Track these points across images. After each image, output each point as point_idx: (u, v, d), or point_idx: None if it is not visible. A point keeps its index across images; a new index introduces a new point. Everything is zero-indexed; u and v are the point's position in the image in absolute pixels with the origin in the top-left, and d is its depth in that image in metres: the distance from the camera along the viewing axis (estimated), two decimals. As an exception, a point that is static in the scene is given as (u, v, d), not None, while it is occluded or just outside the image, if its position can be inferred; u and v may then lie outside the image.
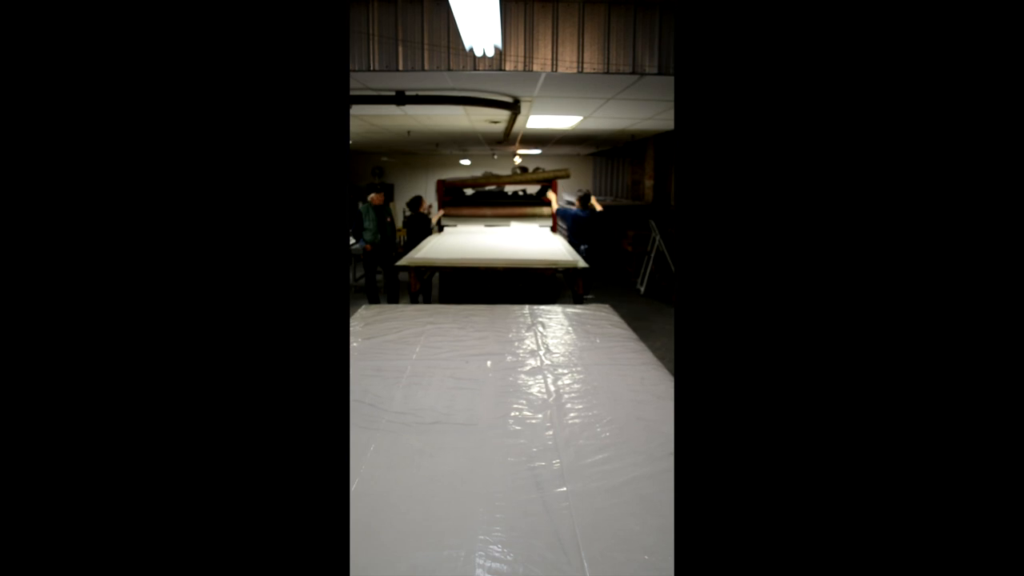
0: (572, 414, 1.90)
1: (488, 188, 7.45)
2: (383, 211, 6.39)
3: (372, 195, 6.36)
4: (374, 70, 3.45)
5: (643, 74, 3.54)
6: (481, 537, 1.23)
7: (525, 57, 3.44)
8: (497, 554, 1.18)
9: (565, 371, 2.34)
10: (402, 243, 6.87)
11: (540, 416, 1.89)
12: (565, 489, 1.43)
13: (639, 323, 5.38)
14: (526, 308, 3.48)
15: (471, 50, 3.26)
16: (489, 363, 2.44)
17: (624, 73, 3.54)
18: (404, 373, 2.29)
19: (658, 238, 7.31)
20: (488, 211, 6.99)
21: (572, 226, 6.35)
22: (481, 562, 1.16)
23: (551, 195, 6.77)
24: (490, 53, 3.31)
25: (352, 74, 3.54)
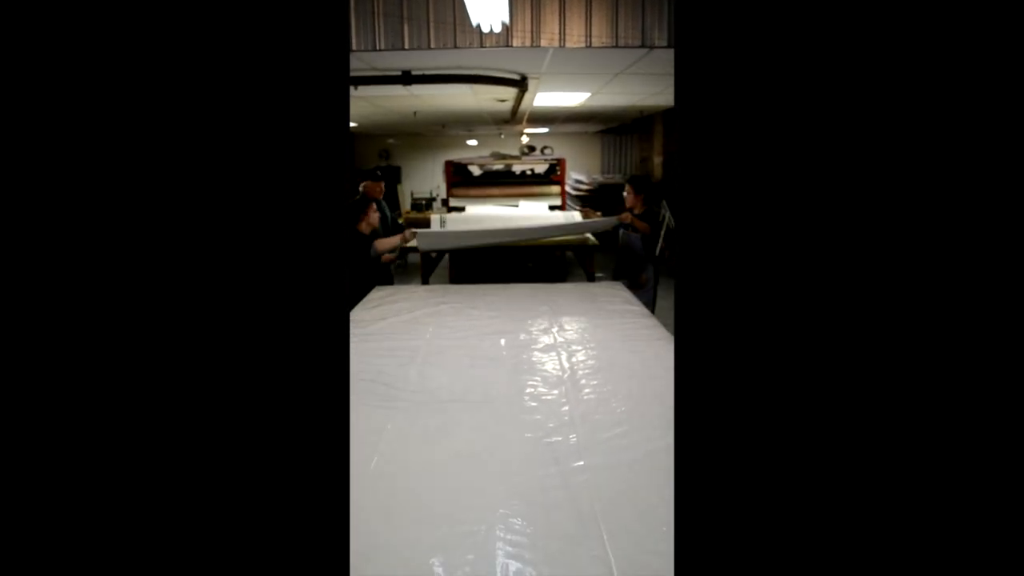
0: (587, 390, 1.91)
1: (496, 168, 7.39)
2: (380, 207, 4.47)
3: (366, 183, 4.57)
4: (379, 49, 3.40)
5: (652, 47, 3.47)
6: (501, 511, 1.24)
7: (532, 32, 3.38)
8: (517, 527, 1.19)
9: (579, 348, 2.33)
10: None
11: (555, 392, 1.90)
12: (582, 463, 1.44)
13: (650, 300, 5.35)
14: (538, 287, 3.47)
15: (478, 26, 3.21)
16: (503, 341, 2.44)
17: (633, 47, 3.47)
18: (419, 352, 2.30)
19: (668, 215, 7.25)
20: (496, 191, 6.95)
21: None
22: (502, 535, 1.17)
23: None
24: (497, 29, 3.25)
25: (357, 54, 3.49)
